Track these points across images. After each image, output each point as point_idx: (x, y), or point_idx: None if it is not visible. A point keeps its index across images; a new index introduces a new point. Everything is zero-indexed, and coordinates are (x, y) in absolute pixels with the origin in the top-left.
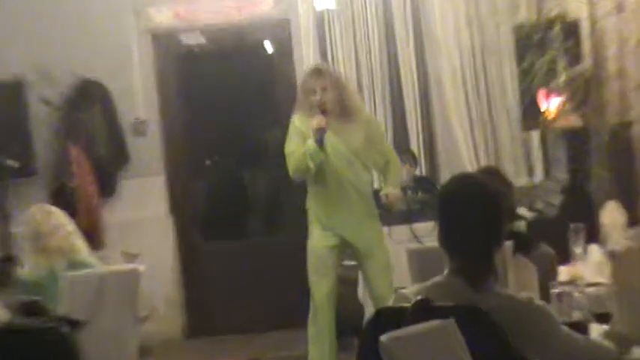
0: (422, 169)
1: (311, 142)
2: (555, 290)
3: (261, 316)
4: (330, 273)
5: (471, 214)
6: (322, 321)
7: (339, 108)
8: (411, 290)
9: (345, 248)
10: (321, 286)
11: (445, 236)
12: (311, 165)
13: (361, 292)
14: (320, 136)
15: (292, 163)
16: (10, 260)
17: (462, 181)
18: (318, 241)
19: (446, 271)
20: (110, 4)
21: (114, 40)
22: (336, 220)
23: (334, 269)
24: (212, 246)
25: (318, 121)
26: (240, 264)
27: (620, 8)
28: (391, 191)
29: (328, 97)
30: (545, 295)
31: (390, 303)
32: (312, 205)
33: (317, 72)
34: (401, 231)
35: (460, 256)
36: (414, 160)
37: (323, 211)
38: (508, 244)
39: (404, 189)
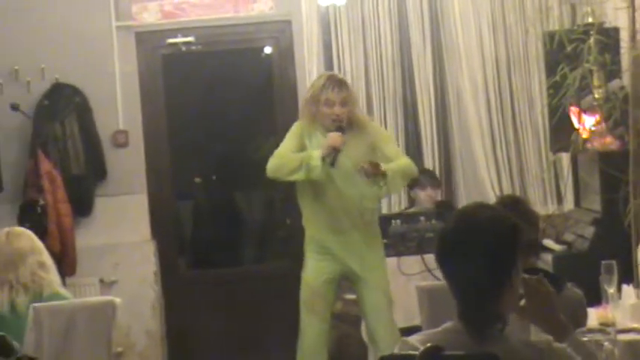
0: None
1: (316, 157)
2: (582, 339)
3: (251, 353)
4: (324, 312)
5: (474, 254)
6: None
7: (347, 123)
8: (417, 338)
9: (342, 280)
10: (312, 326)
11: (447, 278)
12: (302, 176)
13: (365, 330)
14: (332, 157)
15: (277, 162)
16: None
17: (466, 213)
18: (313, 273)
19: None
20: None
21: (92, 40)
22: (335, 243)
23: (329, 307)
24: (198, 274)
25: (334, 138)
26: (230, 294)
27: None
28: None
29: (345, 112)
30: None
31: (396, 349)
32: (308, 226)
33: (338, 83)
34: (412, 262)
35: (464, 300)
36: (435, 182)
37: (320, 232)
38: None
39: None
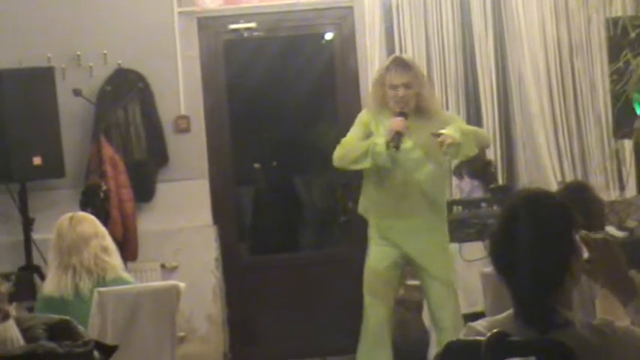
0: (499, 178)
1: (381, 143)
2: None
3: (311, 339)
4: (388, 297)
5: (528, 245)
6: (375, 351)
7: (415, 106)
8: (483, 324)
9: (405, 265)
10: (376, 310)
11: (503, 272)
12: (368, 164)
13: (427, 316)
14: (396, 141)
15: (342, 151)
16: (30, 270)
17: (508, 209)
18: (377, 258)
19: None
20: None
21: (154, 25)
22: (397, 229)
23: (392, 292)
24: (259, 259)
25: (397, 123)
26: (290, 280)
27: None
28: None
29: (409, 95)
30: None
31: (461, 335)
32: (372, 212)
33: (402, 65)
34: (474, 248)
35: (523, 294)
36: (490, 175)
37: (383, 218)
38: None
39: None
